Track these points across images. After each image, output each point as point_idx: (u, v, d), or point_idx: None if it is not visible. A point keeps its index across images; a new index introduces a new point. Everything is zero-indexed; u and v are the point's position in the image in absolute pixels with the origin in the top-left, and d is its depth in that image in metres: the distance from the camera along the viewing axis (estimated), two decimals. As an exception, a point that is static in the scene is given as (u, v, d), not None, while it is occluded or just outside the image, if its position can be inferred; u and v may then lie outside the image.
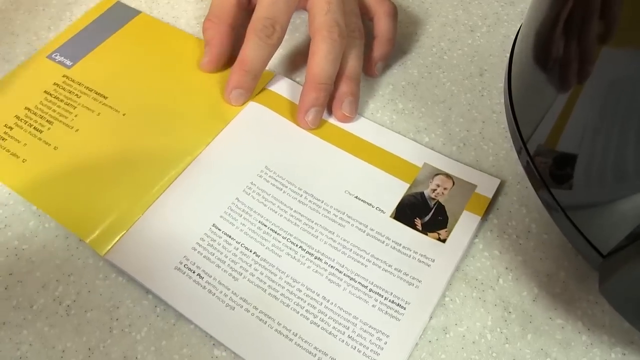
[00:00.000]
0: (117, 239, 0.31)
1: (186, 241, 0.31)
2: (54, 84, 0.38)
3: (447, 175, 0.34)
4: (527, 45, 0.26)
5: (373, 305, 0.30)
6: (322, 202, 0.33)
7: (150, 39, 0.41)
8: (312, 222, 0.32)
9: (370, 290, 0.30)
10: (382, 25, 0.39)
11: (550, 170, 0.25)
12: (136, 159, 0.35)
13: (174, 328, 0.29)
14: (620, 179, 0.22)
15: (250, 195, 0.33)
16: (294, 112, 0.37)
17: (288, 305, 0.29)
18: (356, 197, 0.33)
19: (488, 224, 0.33)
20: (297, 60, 0.40)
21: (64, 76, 0.39)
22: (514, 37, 0.29)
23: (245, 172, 0.34)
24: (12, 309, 0.30)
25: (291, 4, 0.36)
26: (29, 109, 0.37)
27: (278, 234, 0.32)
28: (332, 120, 0.37)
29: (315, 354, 0.28)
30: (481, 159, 0.35)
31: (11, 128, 0.36)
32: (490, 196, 0.33)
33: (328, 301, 0.30)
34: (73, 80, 0.38)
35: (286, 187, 0.34)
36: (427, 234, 0.32)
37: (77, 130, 0.36)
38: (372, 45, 0.39)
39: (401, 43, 0.41)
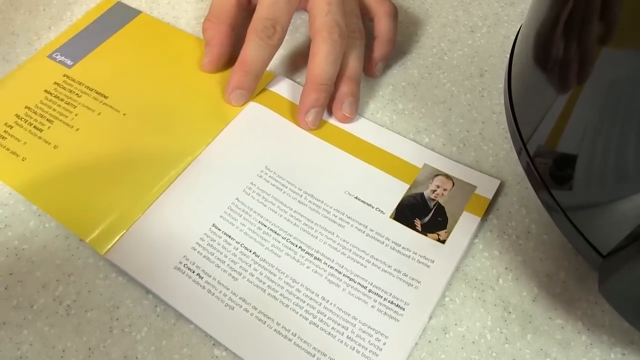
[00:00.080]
0: (117, 238, 0.31)
1: (186, 241, 0.31)
2: (55, 83, 0.38)
3: (447, 176, 0.34)
4: (527, 46, 0.26)
5: (372, 306, 0.30)
6: (322, 202, 0.33)
7: (151, 39, 0.41)
8: (312, 222, 0.32)
9: (370, 290, 0.30)
10: (382, 25, 0.39)
11: (550, 171, 0.25)
12: (136, 159, 0.35)
13: (174, 328, 0.29)
14: (621, 179, 0.22)
15: (250, 195, 0.33)
16: (294, 113, 0.37)
17: (287, 306, 0.29)
18: (356, 197, 0.33)
19: (488, 224, 0.33)
20: (298, 61, 0.40)
21: (64, 76, 0.39)
22: (514, 38, 0.29)
23: (246, 172, 0.34)
24: (13, 309, 0.30)
25: (292, 4, 0.36)
26: (29, 108, 0.37)
27: (278, 234, 0.32)
28: (332, 121, 0.37)
29: (314, 354, 0.28)
30: (481, 159, 0.35)
31: (11, 127, 0.36)
32: (490, 197, 0.33)
33: (327, 301, 0.30)
34: (74, 80, 0.38)
35: (286, 187, 0.34)
36: (426, 235, 0.32)
37: (77, 129, 0.36)
38: (373, 46, 0.39)
39: (401, 43, 0.41)
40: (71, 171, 0.34)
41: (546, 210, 0.27)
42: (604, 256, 0.24)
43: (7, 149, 0.35)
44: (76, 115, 0.37)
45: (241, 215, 0.32)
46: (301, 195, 0.33)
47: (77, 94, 0.38)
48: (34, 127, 0.36)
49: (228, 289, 0.30)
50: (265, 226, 0.32)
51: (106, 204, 0.33)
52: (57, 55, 0.40)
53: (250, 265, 0.31)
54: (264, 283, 0.30)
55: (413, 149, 0.36)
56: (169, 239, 0.31)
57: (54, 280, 0.31)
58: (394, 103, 0.38)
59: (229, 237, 0.32)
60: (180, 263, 0.31)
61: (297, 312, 0.29)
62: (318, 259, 0.31)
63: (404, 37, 0.42)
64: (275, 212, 0.33)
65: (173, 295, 0.30)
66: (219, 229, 0.32)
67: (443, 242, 0.32)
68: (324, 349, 0.28)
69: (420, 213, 0.33)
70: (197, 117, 0.37)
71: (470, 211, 0.33)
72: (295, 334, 0.29)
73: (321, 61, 0.35)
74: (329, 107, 0.37)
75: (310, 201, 0.33)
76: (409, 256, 0.31)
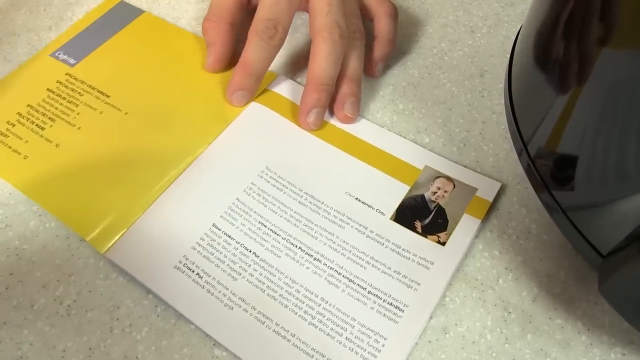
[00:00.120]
0: (117, 237, 0.31)
1: (186, 240, 0.31)
2: (57, 82, 0.38)
3: (448, 178, 0.34)
4: (527, 46, 0.26)
5: (371, 308, 0.30)
6: (323, 203, 0.33)
7: (153, 38, 0.41)
8: (312, 223, 0.32)
9: (369, 292, 0.30)
10: (382, 25, 0.39)
11: (551, 172, 0.25)
12: (137, 158, 0.35)
13: (175, 328, 0.29)
14: (621, 179, 0.22)
15: (250, 195, 0.33)
16: (295, 113, 0.37)
17: (286, 306, 0.29)
18: (356, 198, 0.33)
19: (488, 224, 0.33)
20: (299, 62, 0.40)
21: (67, 74, 0.39)
22: (514, 38, 0.29)
23: (246, 172, 0.34)
24: (13, 309, 0.30)
25: (293, 5, 0.36)
26: (31, 107, 0.37)
27: (278, 234, 0.32)
28: (333, 122, 0.37)
29: (313, 355, 0.28)
30: (481, 159, 0.35)
31: (13, 125, 0.36)
32: (491, 199, 0.33)
33: (326, 302, 0.30)
34: (76, 79, 0.39)
35: (287, 187, 0.34)
36: (427, 237, 0.32)
37: (79, 128, 0.36)
38: (373, 46, 0.39)
39: (401, 44, 0.41)
40: (72, 170, 0.34)
41: (547, 210, 0.26)
42: (604, 256, 0.24)
43: (9, 147, 0.35)
44: (78, 114, 0.37)
45: (241, 216, 0.32)
46: (301, 196, 0.33)
47: (79, 93, 0.38)
48: (36, 125, 0.36)
49: (227, 289, 0.30)
50: (266, 226, 0.32)
51: (107, 202, 0.33)
52: (59, 53, 0.40)
53: (250, 265, 0.31)
54: (264, 283, 0.30)
55: (414, 150, 0.36)
56: (169, 239, 0.32)
57: (55, 280, 0.31)
58: (394, 103, 0.38)
59: (229, 237, 0.32)
60: (180, 262, 0.31)
61: (297, 313, 0.29)
62: (318, 259, 0.31)
63: (404, 37, 0.42)
64: (276, 213, 0.33)
65: (172, 294, 0.30)
66: (219, 229, 0.32)
67: (443, 244, 0.32)
68: (323, 349, 0.28)
69: (421, 215, 0.33)
70: (199, 117, 0.37)
71: (471, 213, 0.33)
72: (295, 335, 0.29)
73: (322, 61, 0.35)
74: (330, 108, 0.37)
75: (310, 202, 0.33)
76: (409, 258, 0.31)
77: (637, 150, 0.20)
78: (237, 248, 0.31)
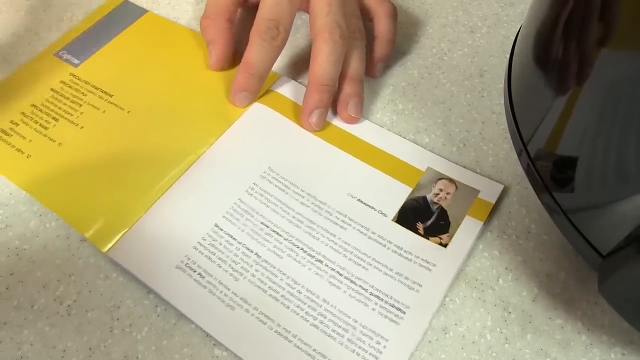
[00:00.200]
0: (119, 236, 0.31)
1: (188, 240, 0.32)
2: (61, 81, 0.38)
3: (450, 180, 0.34)
4: (527, 46, 0.26)
5: (373, 309, 0.30)
6: (325, 204, 0.33)
7: (157, 37, 0.41)
8: (314, 224, 0.32)
9: (371, 293, 0.30)
10: (382, 26, 0.39)
11: (551, 173, 0.25)
12: (140, 157, 0.35)
13: (175, 328, 0.29)
14: (621, 180, 0.22)
15: (252, 196, 0.33)
16: (297, 114, 0.37)
17: (288, 307, 0.30)
18: (358, 200, 0.33)
19: (488, 224, 0.33)
20: (301, 63, 0.40)
21: (70, 74, 0.39)
22: (514, 38, 0.29)
23: (248, 172, 0.34)
24: (13, 309, 0.30)
25: (294, 5, 0.36)
26: (35, 106, 0.37)
27: (280, 235, 0.32)
28: (335, 122, 0.37)
29: (314, 356, 0.28)
30: (481, 159, 0.36)
31: (17, 124, 0.36)
32: (494, 202, 0.33)
33: (328, 303, 0.30)
34: (80, 79, 0.39)
35: (289, 188, 0.34)
36: (428, 239, 0.32)
37: (82, 127, 0.36)
38: (373, 46, 0.39)
39: (401, 44, 0.41)
40: (75, 169, 0.34)
41: (547, 211, 0.27)
42: (604, 256, 0.24)
43: (13, 146, 0.35)
44: (81, 113, 0.37)
45: (243, 216, 0.32)
46: (304, 197, 0.33)
47: (82, 93, 0.38)
48: (40, 124, 0.36)
49: (229, 289, 0.30)
50: (267, 227, 0.32)
51: (109, 201, 0.33)
52: (63, 53, 0.40)
53: (252, 265, 0.31)
54: (265, 284, 0.30)
55: (416, 151, 0.36)
56: (171, 238, 0.32)
57: (55, 280, 0.31)
58: (394, 103, 0.38)
59: (231, 237, 0.32)
60: (182, 262, 0.31)
61: (298, 314, 0.29)
62: (320, 260, 0.31)
63: (404, 37, 0.42)
64: (278, 213, 0.33)
65: (174, 294, 0.30)
66: (221, 229, 0.32)
67: (445, 246, 0.32)
68: (324, 351, 0.28)
69: (423, 216, 0.33)
70: (202, 117, 0.37)
71: (473, 215, 0.33)
72: (296, 336, 0.29)
73: (323, 62, 0.35)
74: (333, 108, 0.37)
75: (312, 203, 0.33)
76: (411, 259, 0.31)
77: (637, 151, 0.20)
78: (239, 248, 0.31)
